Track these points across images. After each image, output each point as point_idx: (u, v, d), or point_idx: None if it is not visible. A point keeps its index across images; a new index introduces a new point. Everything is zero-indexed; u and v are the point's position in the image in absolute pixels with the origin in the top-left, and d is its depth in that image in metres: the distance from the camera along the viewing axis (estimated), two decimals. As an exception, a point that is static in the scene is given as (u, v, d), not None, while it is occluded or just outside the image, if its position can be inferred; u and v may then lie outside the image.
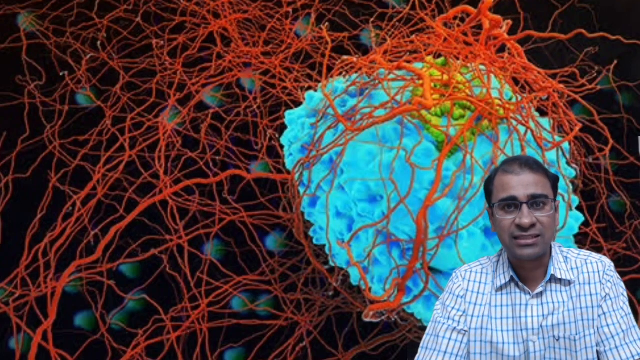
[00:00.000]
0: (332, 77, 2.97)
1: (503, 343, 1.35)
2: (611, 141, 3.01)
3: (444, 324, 1.39)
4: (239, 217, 2.90)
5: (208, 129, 2.99)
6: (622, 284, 1.39)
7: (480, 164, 2.61)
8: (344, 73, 2.96)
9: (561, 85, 3.00)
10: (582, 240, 2.93)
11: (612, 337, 1.33)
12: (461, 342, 1.37)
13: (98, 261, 2.81)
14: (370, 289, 2.72)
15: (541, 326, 1.34)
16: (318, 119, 2.83)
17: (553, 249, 1.39)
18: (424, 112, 2.62)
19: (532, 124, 2.77)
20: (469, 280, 1.43)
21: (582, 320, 1.34)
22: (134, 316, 2.82)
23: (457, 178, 2.57)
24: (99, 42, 3.03)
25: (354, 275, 2.80)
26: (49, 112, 2.94)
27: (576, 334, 1.33)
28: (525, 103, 2.81)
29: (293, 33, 3.13)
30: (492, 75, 2.81)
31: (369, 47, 3.11)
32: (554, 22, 3.13)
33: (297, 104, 3.03)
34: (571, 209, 2.79)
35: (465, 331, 1.38)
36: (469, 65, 2.82)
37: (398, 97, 2.68)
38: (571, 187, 2.84)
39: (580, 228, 2.85)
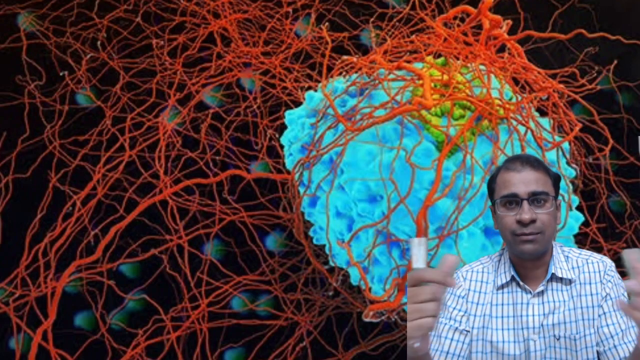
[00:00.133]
0: (332, 77, 2.97)
1: (503, 342, 1.36)
2: (611, 141, 3.01)
3: (445, 324, 1.39)
4: (239, 217, 2.90)
5: (208, 129, 2.99)
6: (623, 284, 1.39)
7: (480, 164, 2.60)
8: (344, 73, 2.95)
9: (561, 85, 3.00)
10: (582, 240, 2.93)
11: (612, 336, 1.33)
12: (463, 342, 1.38)
13: (98, 261, 2.81)
14: (370, 289, 2.71)
15: (542, 325, 1.34)
16: (318, 119, 2.83)
17: (554, 248, 1.39)
18: (424, 112, 2.62)
19: (532, 124, 2.77)
20: (470, 280, 1.43)
21: (583, 319, 1.34)
22: (134, 316, 2.82)
23: (457, 178, 2.57)
24: (99, 42, 3.03)
25: (354, 275, 2.80)
26: (49, 112, 2.94)
27: (576, 333, 1.34)
28: (525, 103, 2.81)
29: (293, 33, 3.13)
30: (492, 75, 2.81)
31: (369, 47, 3.11)
32: (554, 22, 3.14)
33: (297, 104, 3.03)
34: (571, 209, 2.79)
35: (467, 331, 1.39)
36: (469, 65, 2.82)
37: (398, 97, 2.68)
38: (571, 187, 2.84)
39: (580, 228, 2.85)
